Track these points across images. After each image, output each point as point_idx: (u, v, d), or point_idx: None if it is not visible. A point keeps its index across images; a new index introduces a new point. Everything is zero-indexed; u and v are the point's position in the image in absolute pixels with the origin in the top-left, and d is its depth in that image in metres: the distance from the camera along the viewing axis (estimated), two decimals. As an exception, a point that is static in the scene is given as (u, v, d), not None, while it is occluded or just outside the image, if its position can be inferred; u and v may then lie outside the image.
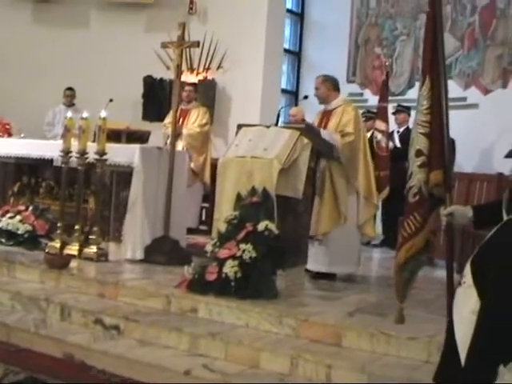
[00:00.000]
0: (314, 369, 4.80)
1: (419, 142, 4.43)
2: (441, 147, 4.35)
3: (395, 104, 11.22)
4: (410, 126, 8.86)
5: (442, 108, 4.36)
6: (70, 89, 11.88)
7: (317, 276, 7.21)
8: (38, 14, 13.25)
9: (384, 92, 10.80)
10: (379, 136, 10.47)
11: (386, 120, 10.53)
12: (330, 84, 7.65)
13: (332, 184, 7.12)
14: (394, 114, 10.95)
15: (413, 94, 11.45)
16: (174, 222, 7.78)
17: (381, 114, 10.62)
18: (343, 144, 7.09)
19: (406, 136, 9.98)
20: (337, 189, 7.11)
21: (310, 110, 11.06)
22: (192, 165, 10.33)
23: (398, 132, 10.82)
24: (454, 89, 11.48)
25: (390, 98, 11.07)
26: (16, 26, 12.81)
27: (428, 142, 4.40)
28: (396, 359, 4.89)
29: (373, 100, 12.32)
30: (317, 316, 5.52)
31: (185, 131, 10.43)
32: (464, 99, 11.65)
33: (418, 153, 4.42)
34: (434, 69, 4.43)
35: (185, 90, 10.67)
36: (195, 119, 10.60)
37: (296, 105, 12.94)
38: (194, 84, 11.66)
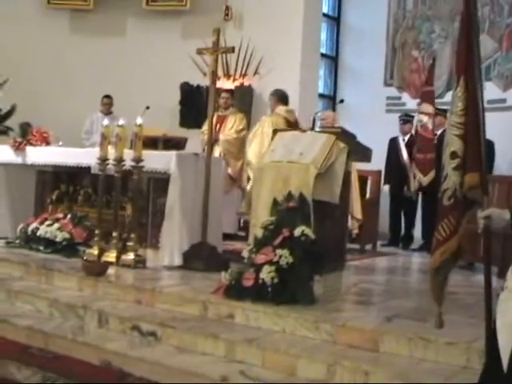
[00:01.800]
0: (352, 375, 4.75)
1: (454, 144, 4.36)
2: (477, 149, 4.26)
3: (432, 107, 11.13)
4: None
5: (479, 109, 4.29)
6: (107, 96, 11.93)
7: None
8: (76, 22, 13.39)
9: (431, 76, 10.78)
10: (425, 119, 10.46)
11: (432, 103, 10.51)
12: (276, 97, 9.99)
13: None
14: (430, 116, 10.88)
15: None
16: (211, 227, 7.77)
17: (427, 97, 10.60)
18: None
19: (443, 138, 9.92)
20: None
21: (347, 114, 11.06)
22: (229, 170, 10.35)
23: (436, 135, 10.71)
24: (493, 90, 11.38)
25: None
26: (54, 34, 12.97)
27: (463, 144, 4.33)
28: (434, 365, 4.82)
29: (411, 103, 12.26)
30: (354, 321, 5.47)
31: (222, 137, 10.46)
32: (503, 101, 11.50)
33: (453, 155, 4.35)
34: (469, 70, 4.35)
35: (222, 97, 10.71)
36: (232, 125, 10.63)
37: (334, 109, 12.89)
38: (230, 90, 11.68)
